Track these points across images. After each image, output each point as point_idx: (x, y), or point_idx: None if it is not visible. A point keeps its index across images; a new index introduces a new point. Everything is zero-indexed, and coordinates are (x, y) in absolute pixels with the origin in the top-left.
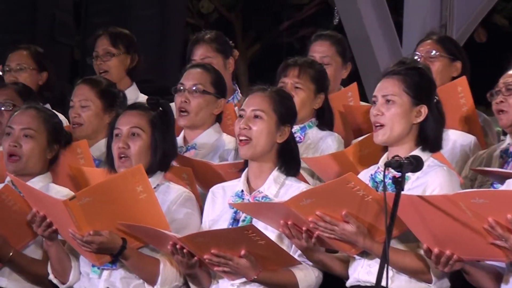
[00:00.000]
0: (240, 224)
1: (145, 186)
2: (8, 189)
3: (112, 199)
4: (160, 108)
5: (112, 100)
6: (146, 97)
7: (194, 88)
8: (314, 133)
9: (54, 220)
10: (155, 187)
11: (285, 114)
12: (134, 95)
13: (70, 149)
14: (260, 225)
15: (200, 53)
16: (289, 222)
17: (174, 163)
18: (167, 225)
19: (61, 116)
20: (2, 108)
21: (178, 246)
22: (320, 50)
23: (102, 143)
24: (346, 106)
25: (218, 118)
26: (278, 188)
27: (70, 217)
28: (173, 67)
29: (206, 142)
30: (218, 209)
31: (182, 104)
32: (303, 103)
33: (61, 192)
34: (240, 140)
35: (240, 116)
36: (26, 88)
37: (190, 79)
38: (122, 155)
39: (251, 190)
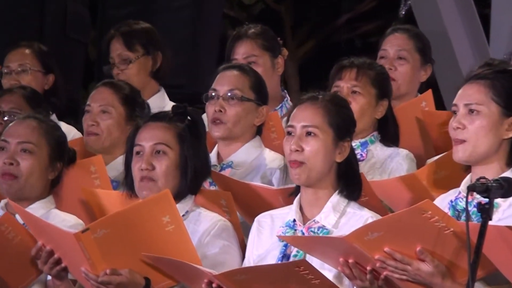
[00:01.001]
0: (291, 260)
1: (172, 216)
2: (9, 219)
3: (133, 231)
4: (189, 118)
5: (135, 109)
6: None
7: (229, 94)
8: (378, 149)
9: (63, 256)
10: (183, 215)
11: (343, 126)
12: (161, 102)
13: (81, 167)
14: (314, 262)
15: (243, 51)
16: (350, 260)
17: (206, 185)
18: (199, 263)
19: (71, 128)
20: (5, 118)
21: (214, 286)
22: (396, 43)
23: (120, 161)
24: (426, 113)
25: (259, 130)
26: (338, 217)
27: (82, 253)
28: (207, 69)
29: (245, 160)
30: (265, 243)
31: (216, 114)
32: (362, 111)
33: (67, 220)
34: (292, 164)
35: (289, 133)
36: (35, 93)
37: (225, 83)
38: (146, 178)
39: (305, 219)
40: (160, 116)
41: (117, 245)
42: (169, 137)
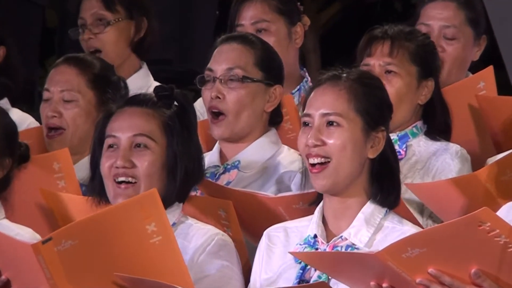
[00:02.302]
0: None
1: (160, 224)
2: None
3: (107, 244)
4: (175, 103)
5: (108, 91)
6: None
7: (230, 73)
8: (421, 145)
9: (14, 277)
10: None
11: (376, 112)
12: (144, 82)
13: (41, 164)
14: (340, 287)
15: (251, 14)
16: (384, 285)
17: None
18: (191, 285)
19: (27, 117)
20: None
21: None
22: (441, 17)
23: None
24: (482, 98)
25: (275, 118)
26: (372, 232)
27: (41, 271)
28: (202, 40)
29: (256, 159)
30: (277, 263)
31: (214, 102)
32: (400, 96)
33: (20, 234)
34: (312, 165)
35: (305, 124)
36: None
37: (223, 61)
38: (123, 179)
39: (329, 235)
40: (140, 100)
41: (87, 261)
42: (153, 127)
